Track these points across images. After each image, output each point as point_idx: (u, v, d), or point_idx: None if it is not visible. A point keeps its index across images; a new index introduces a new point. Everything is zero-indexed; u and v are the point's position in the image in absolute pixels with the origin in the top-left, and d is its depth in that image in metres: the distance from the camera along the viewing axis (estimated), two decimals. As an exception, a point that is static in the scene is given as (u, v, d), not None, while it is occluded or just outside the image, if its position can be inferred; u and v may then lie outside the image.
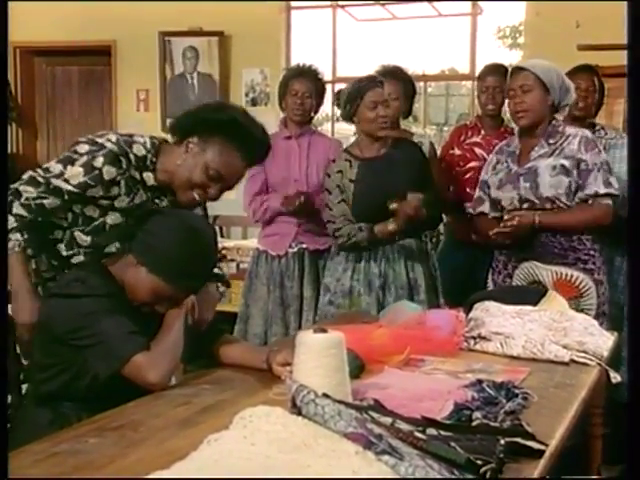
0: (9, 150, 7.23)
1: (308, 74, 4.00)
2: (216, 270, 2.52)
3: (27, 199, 2.30)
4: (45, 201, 2.30)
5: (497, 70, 4.25)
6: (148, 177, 2.42)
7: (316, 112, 4.13)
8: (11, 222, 2.28)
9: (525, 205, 3.26)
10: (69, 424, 1.96)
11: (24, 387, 2.48)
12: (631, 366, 2.06)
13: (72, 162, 2.33)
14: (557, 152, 3.24)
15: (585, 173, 3.20)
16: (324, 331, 1.84)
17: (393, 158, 3.53)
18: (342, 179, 3.55)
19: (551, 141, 3.27)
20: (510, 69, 3.43)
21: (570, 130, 3.30)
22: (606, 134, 3.93)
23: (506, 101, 4.33)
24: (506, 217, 3.27)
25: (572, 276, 3.20)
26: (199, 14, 6.48)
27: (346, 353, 1.85)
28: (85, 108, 7.26)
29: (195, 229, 2.19)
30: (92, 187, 2.33)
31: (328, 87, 6.44)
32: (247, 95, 6.61)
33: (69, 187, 2.31)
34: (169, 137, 2.52)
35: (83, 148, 2.36)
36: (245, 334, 3.92)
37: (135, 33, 6.63)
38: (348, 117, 3.57)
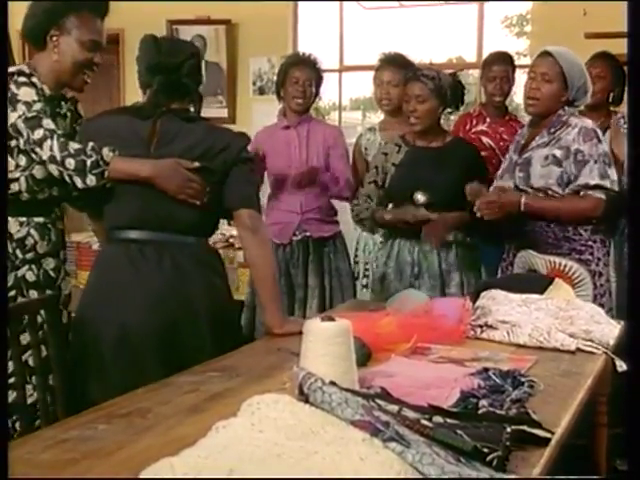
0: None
1: (308, 62, 4.00)
2: None
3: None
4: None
5: (503, 58, 4.25)
6: (43, 89, 2.65)
7: (313, 102, 4.13)
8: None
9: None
10: None
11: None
12: (630, 357, 2.06)
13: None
14: (553, 142, 3.22)
15: (580, 164, 3.15)
16: (331, 319, 1.85)
17: (443, 154, 3.53)
18: (385, 161, 3.61)
19: (552, 131, 3.24)
20: (540, 51, 3.31)
21: (573, 120, 3.25)
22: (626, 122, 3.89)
23: (514, 88, 4.33)
24: (492, 190, 3.28)
25: (566, 266, 3.18)
26: (206, 2, 6.47)
27: (353, 341, 1.86)
28: (93, 96, 7.22)
29: None
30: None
31: (335, 76, 6.45)
32: (254, 84, 6.61)
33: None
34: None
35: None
36: (252, 322, 3.94)
37: (143, 21, 6.59)
38: None
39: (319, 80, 4.03)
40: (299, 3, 6.72)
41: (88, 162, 2.47)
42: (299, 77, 3.93)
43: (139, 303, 2.44)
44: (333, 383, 1.63)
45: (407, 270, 3.51)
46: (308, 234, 3.99)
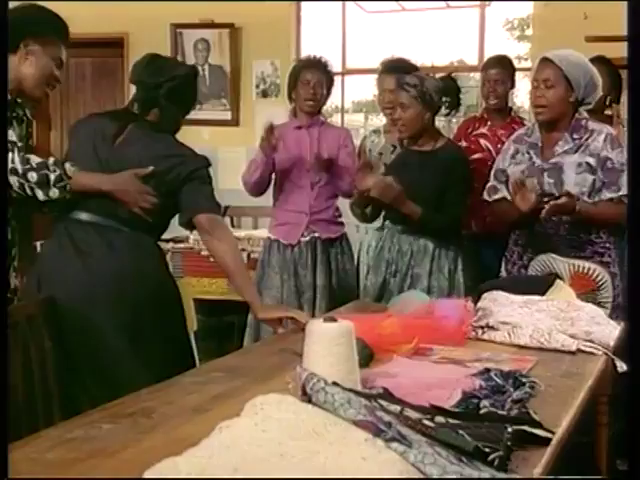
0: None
1: (319, 65, 4.03)
2: None
3: None
4: None
5: (500, 62, 4.27)
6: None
7: (324, 103, 4.15)
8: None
9: (546, 199, 3.23)
10: None
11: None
12: (631, 358, 2.07)
13: None
14: (582, 149, 3.21)
15: (612, 173, 3.16)
16: (334, 320, 1.86)
17: (430, 158, 3.54)
18: (379, 161, 3.74)
19: (575, 136, 3.23)
20: (539, 58, 3.31)
21: (594, 125, 3.25)
22: (623, 127, 3.91)
23: (511, 92, 4.35)
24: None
25: (589, 269, 3.20)
26: (210, 6, 6.48)
27: (356, 342, 1.87)
28: (98, 100, 7.25)
29: None
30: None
31: (338, 79, 6.48)
32: (258, 87, 6.63)
33: None
34: None
35: None
36: (258, 322, 3.94)
37: (147, 25, 6.63)
38: None
39: (330, 82, 4.08)
40: (302, 7, 6.74)
41: (52, 176, 2.57)
42: (310, 79, 3.96)
43: (77, 276, 2.66)
44: (336, 384, 1.64)
45: (382, 267, 3.56)
46: (316, 235, 4.00)
